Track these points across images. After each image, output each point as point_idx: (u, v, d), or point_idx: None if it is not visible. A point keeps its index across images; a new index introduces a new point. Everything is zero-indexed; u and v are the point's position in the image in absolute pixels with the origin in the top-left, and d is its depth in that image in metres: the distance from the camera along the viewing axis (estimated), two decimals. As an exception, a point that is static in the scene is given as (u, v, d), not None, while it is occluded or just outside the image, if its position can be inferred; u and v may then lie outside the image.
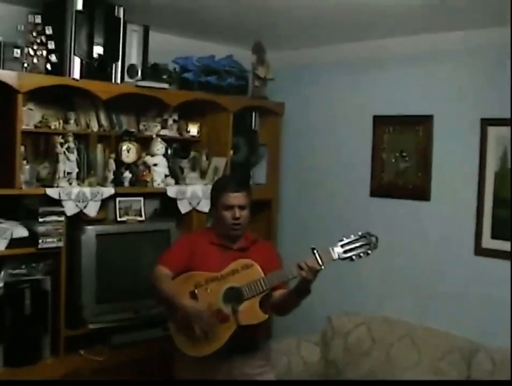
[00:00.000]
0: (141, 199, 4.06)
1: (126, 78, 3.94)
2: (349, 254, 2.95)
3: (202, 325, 2.98)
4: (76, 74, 3.67)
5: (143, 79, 3.98)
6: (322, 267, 2.91)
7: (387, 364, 3.87)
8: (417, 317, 4.07)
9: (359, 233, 2.99)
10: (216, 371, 3.14)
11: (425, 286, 4.20)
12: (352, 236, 2.97)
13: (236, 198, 3.17)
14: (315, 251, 2.93)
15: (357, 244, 2.96)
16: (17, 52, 3.47)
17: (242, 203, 3.19)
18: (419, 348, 3.83)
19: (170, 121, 4.40)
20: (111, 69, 3.85)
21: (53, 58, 3.59)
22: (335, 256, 2.94)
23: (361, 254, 2.96)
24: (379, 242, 3.99)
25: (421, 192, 4.25)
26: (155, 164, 4.12)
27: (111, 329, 3.88)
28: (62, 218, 3.60)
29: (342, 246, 2.95)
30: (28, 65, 3.52)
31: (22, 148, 3.65)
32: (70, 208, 3.64)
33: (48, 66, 3.58)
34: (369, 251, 2.97)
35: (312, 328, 4.43)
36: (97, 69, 3.75)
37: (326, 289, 4.53)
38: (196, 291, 3.10)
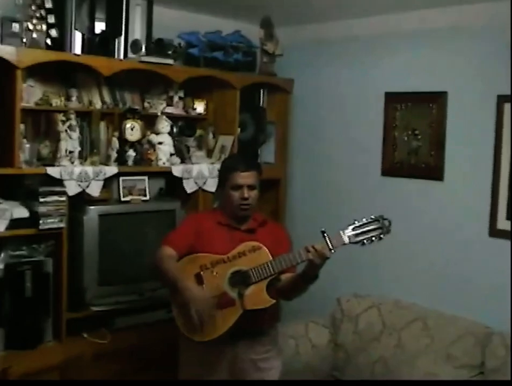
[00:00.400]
0: (146, 178, 3.95)
1: (130, 54, 3.83)
2: (360, 238, 2.84)
3: (197, 311, 2.88)
4: (77, 49, 3.59)
5: (147, 54, 3.85)
6: (333, 251, 2.81)
7: (397, 349, 3.77)
8: (429, 301, 3.97)
9: (372, 216, 2.88)
10: (221, 356, 3.06)
11: (437, 269, 4.08)
12: (364, 219, 2.86)
13: (245, 177, 3.07)
14: (325, 235, 2.82)
15: (369, 228, 2.85)
16: (15, 26, 3.38)
17: (251, 183, 3.08)
18: (431, 333, 3.72)
19: (176, 99, 4.28)
20: (114, 45, 3.75)
21: (53, 32, 3.49)
22: (346, 240, 2.84)
23: (374, 238, 2.85)
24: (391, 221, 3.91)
25: (434, 172, 4.13)
26: (160, 143, 4.00)
27: (114, 312, 3.79)
28: (64, 198, 3.50)
29: (353, 229, 2.84)
30: (27, 40, 3.41)
31: (22, 126, 3.55)
32: (72, 188, 3.54)
33: (48, 41, 3.49)
34: (382, 236, 2.86)
35: (321, 310, 4.34)
36: (99, 44, 3.65)
37: (336, 270, 4.41)
38: (201, 273, 3.01)
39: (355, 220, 2.86)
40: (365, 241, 2.84)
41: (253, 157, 3.28)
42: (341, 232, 2.84)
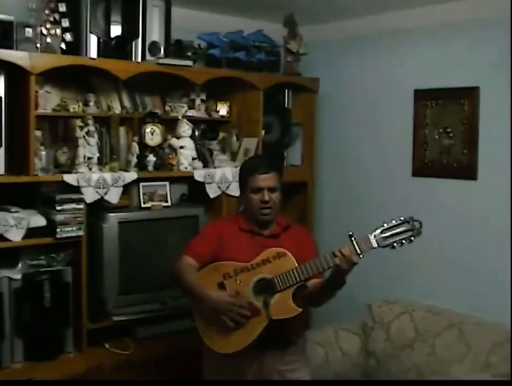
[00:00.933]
0: (167, 183, 3.86)
1: (148, 56, 3.74)
2: (389, 241, 2.69)
3: (232, 315, 2.78)
4: (93, 53, 3.51)
5: (166, 56, 3.76)
6: (361, 256, 2.67)
7: (431, 357, 3.60)
8: (465, 307, 3.80)
9: (402, 218, 2.73)
10: (247, 368, 2.93)
11: (473, 273, 3.91)
12: (393, 221, 2.71)
13: (265, 179, 2.93)
14: (352, 239, 2.68)
15: (399, 230, 2.70)
16: (29, 32, 3.30)
17: (272, 185, 2.94)
18: (467, 340, 3.55)
19: (198, 101, 4.18)
20: (131, 47, 3.66)
21: (68, 36, 3.44)
22: (375, 244, 2.69)
23: (404, 241, 2.70)
24: (423, 226, 3.74)
25: (467, 171, 3.96)
26: (181, 147, 3.90)
27: (136, 322, 3.72)
28: (81, 205, 3.42)
29: (382, 232, 2.69)
30: (41, 45, 3.34)
31: (39, 132, 3.51)
32: (90, 195, 3.46)
33: (63, 45, 3.43)
34: (412, 238, 2.71)
35: (351, 316, 4.20)
36: (115, 47, 3.57)
37: (367, 275, 4.35)
38: (224, 282, 2.89)
39: (384, 222, 2.72)
40: (395, 244, 2.70)
41: (275, 159, 3.16)
42: (369, 235, 2.70)
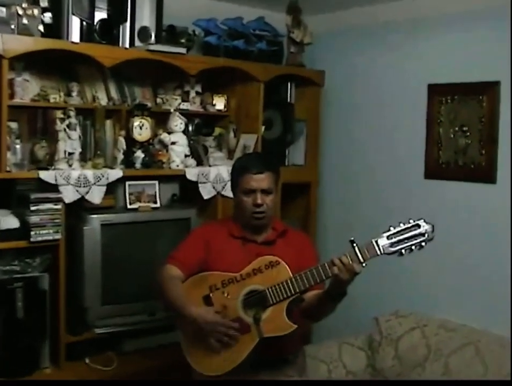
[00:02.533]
0: (156, 183, 3.57)
1: (137, 43, 3.41)
2: (397, 248, 2.42)
3: (219, 336, 2.48)
4: (75, 37, 3.19)
5: (157, 43, 3.43)
6: (364, 265, 2.40)
7: (445, 378, 3.27)
8: (482, 322, 3.49)
9: (411, 221, 2.45)
10: None
11: (491, 285, 3.60)
12: (401, 224, 2.44)
13: (258, 180, 2.64)
14: (354, 245, 2.41)
15: (407, 235, 2.43)
16: (2, 11, 2.99)
17: (265, 187, 2.65)
18: (484, 360, 3.22)
19: (192, 94, 3.87)
20: (118, 32, 3.36)
21: (46, 18, 3.11)
22: (379, 251, 2.42)
23: (413, 247, 2.43)
24: (435, 232, 3.41)
25: (485, 173, 3.66)
26: (173, 143, 3.60)
27: (121, 335, 3.44)
28: (59, 206, 3.12)
29: (388, 237, 2.42)
30: (17, 26, 3.02)
31: (15, 124, 3.21)
32: (69, 194, 3.15)
33: (41, 27, 3.10)
34: (423, 244, 2.44)
35: (356, 330, 3.89)
36: (100, 31, 3.24)
37: (374, 285, 4.08)
38: (210, 295, 2.59)
39: (391, 226, 2.44)
40: (403, 251, 2.43)
41: (272, 157, 2.85)
42: (374, 241, 2.42)
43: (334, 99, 4.36)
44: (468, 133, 3.73)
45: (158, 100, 3.75)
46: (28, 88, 3.25)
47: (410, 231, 2.43)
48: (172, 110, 3.64)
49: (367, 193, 4.23)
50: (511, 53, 3.43)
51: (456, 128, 3.78)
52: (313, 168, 4.28)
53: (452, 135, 3.80)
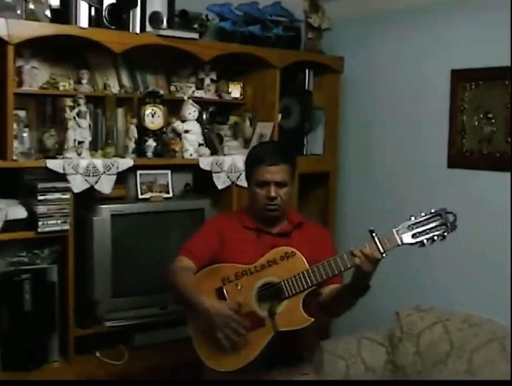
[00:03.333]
0: (169, 172, 3.47)
1: (149, 28, 3.32)
2: (419, 239, 2.33)
3: (228, 332, 2.37)
4: (83, 22, 3.09)
5: (169, 28, 3.33)
6: (384, 255, 2.30)
7: (468, 376, 3.12)
8: (508, 317, 3.33)
9: (433, 210, 2.36)
10: None
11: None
12: (423, 214, 2.35)
13: (273, 172, 2.53)
14: (374, 235, 2.31)
15: (429, 225, 2.34)
16: (9, -4, 2.90)
17: (280, 180, 2.54)
18: (510, 356, 3.06)
19: (207, 81, 3.77)
20: (129, 18, 3.26)
21: (54, 2, 3.00)
22: (400, 241, 2.32)
23: (436, 237, 2.33)
24: (459, 223, 3.28)
25: (511, 162, 3.49)
26: (186, 131, 3.50)
27: (132, 328, 3.34)
28: (67, 195, 3.04)
29: (409, 227, 2.33)
30: (23, 12, 2.94)
31: (23, 113, 3.14)
32: (77, 184, 3.07)
33: (48, 13, 3.01)
34: (445, 234, 2.34)
35: (376, 325, 3.75)
36: (109, 16, 3.15)
37: (395, 279, 3.95)
38: (223, 287, 2.49)
39: (412, 216, 2.34)
40: (425, 241, 2.33)
41: (288, 147, 2.73)
42: (394, 231, 2.33)
43: (353, 87, 4.22)
44: (493, 121, 3.58)
45: (172, 88, 3.66)
46: (36, 76, 3.18)
47: (432, 221, 2.35)
48: (185, 98, 3.54)
49: (388, 183, 4.10)
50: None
51: (481, 116, 3.63)
52: (332, 158, 4.16)
53: (476, 123, 3.66)
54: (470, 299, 3.60)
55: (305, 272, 2.40)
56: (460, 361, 3.21)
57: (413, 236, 2.33)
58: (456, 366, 3.21)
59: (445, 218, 2.35)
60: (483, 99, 3.62)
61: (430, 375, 3.29)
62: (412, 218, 2.34)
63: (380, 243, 2.30)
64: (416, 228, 2.33)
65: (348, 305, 2.49)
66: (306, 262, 2.43)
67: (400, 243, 2.32)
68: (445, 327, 3.38)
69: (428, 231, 2.33)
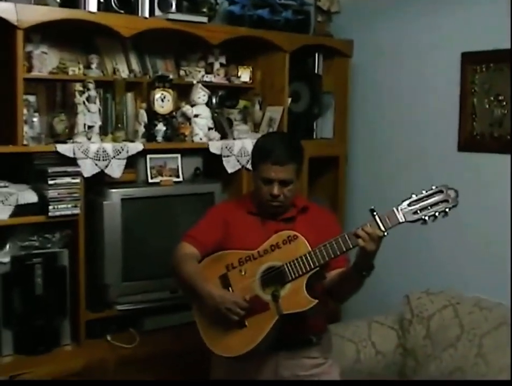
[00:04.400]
0: (179, 156, 3.46)
1: (158, 12, 3.31)
2: (420, 215, 2.29)
3: (234, 318, 2.39)
4: (92, 7, 3.09)
5: (178, 12, 3.32)
6: (385, 233, 2.27)
7: (479, 359, 3.11)
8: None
9: (433, 187, 2.33)
10: (257, 374, 2.52)
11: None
12: (424, 191, 2.32)
13: (278, 171, 2.47)
14: (374, 213, 2.29)
15: (430, 201, 2.30)
16: (17, -20, 2.89)
17: (285, 178, 2.49)
18: (521, 341, 3.06)
19: (216, 66, 3.77)
20: (137, 2, 3.23)
21: (63, -13, 3.00)
22: (402, 218, 2.29)
23: (437, 214, 2.28)
24: (470, 207, 3.27)
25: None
26: (196, 116, 3.49)
27: (142, 312, 3.35)
28: (78, 180, 3.04)
29: (410, 204, 2.30)
30: (33, -4, 2.94)
31: (33, 98, 3.14)
32: (87, 168, 3.07)
33: (58, -3, 3.00)
34: (447, 210, 2.28)
35: (386, 308, 3.75)
36: (118, 1, 3.15)
37: (405, 262, 3.96)
38: (227, 274, 2.49)
39: (413, 193, 2.31)
40: (426, 218, 2.29)
41: (295, 144, 2.58)
42: (395, 209, 2.30)
43: (363, 71, 4.19)
44: (504, 103, 3.55)
45: (181, 72, 3.65)
46: (46, 61, 3.17)
47: (433, 197, 2.31)
48: (194, 82, 3.54)
49: (398, 166, 4.08)
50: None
51: (492, 98, 3.60)
52: (342, 142, 4.14)
53: (487, 106, 3.63)
54: (481, 283, 3.58)
55: (307, 254, 2.38)
56: (470, 345, 3.19)
57: (414, 213, 2.29)
58: (467, 350, 3.19)
59: (447, 194, 2.31)
60: (493, 82, 3.59)
61: (440, 358, 3.29)
62: (414, 195, 2.31)
63: (381, 221, 2.28)
64: (417, 204, 2.30)
65: (355, 288, 2.46)
66: (308, 245, 2.41)
67: (401, 220, 2.29)
68: (455, 311, 3.36)
69: (429, 207, 2.29)
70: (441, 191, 2.30)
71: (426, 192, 2.31)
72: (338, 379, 2.68)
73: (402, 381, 3.23)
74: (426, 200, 2.29)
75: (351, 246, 2.33)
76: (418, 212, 2.28)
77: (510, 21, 3.33)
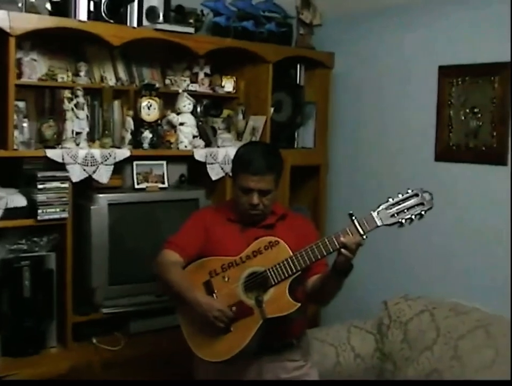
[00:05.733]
0: (164, 163, 3.53)
1: (145, 22, 3.39)
2: (397, 218, 2.36)
3: (219, 325, 2.45)
4: (82, 15, 3.15)
5: (165, 22, 3.40)
6: (364, 237, 2.35)
7: (454, 361, 3.21)
8: (493, 305, 3.40)
9: (409, 190, 2.40)
10: (242, 376, 2.59)
11: (502, 268, 3.52)
12: (399, 195, 2.39)
13: (257, 181, 2.52)
14: (353, 218, 2.37)
15: (406, 205, 2.38)
16: (10, -11, 2.96)
17: (264, 188, 2.54)
18: (495, 344, 3.15)
19: (201, 75, 3.85)
20: (126, 12, 3.32)
21: (54, -4, 3.07)
22: (379, 222, 2.36)
23: (413, 217, 2.36)
24: (446, 215, 3.37)
25: (497, 155, 3.58)
26: (181, 124, 3.57)
27: (128, 315, 3.40)
28: (66, 184, 3.10)
29: (387, 208, 2.37)
30: (24, 5, 3.00)
31: (23, 104, 3.20)
32: (76, 173, 3.13)
33: (48, 6, 3.08)
34: (423, 212, 2.37)
35: (365, 314, 3.83)
36: (108, 10, 3.22)
37: (383, 268, 4.06)
38: (211, 280, 2.54)
39: (389, 197, 2.39)
40: (403, 221, 2.37)
41: (273, 155, 2.65)
42: (372, 213, 2.37)
43: (344, 82, 4.29)
44: (479, 115, 3.65)
45: (167, 81, 3.73)
46: (35, 68, 3.23)
47: (409, 201, 2.38)
48: (180, 91, 3.61)
49: (377, 175, 4.16)
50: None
51: (467, 110, 3.70)
52: (322, 151, 4.23)
53: (463, 117, 3.73)
54: (456, 288, 3.68)
55: (288, 259, 2.44)
56: (446, 347, 3.29)
57: (391, 216, 2.36)
58: (443, 353, 3.29)
59: (422, 197, 2.39)
60: (469, 94, 3.69)
61: (417, 361, 3.38)
62: (390, 199, 2.38)
63: (360, 225, 2.35)
64: (394, 208, 2.37)
65: (336, 289, 2.51)
66: (289, 250, 2.47)
67: (379, 224, 2.36)
68: (432, 315, 3.46)
69: (405, 211, 2.36)
70: (416, 195, 2.38)
71: (402, 195, 2.38)
72: (318, 380, 2.75)
73: (396, 381, 3.29)
74: (403, 203, 2.37)
75: (331, 250, 2.39)
76: (395, 215, 2.36)
77: (510, 21, 3.40)
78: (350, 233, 2.35)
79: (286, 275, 2.43)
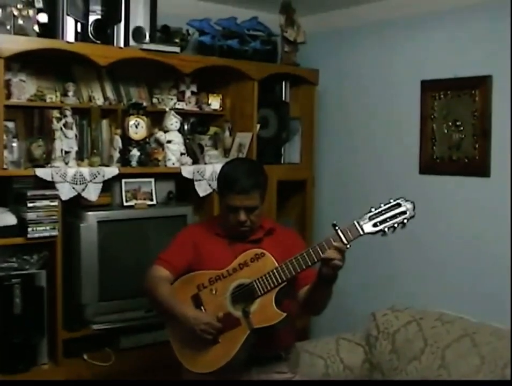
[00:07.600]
0: (152, 180, 3.57)
1: (132, 42, 3.44)
2: (379, 227, 2.40)
3: (207, 338, 2.49)
4: (70, 37, 3.22)
5: (151, 42, 3.46)
6: (348, 246, 2.38)
7: (442, 370, 3.24)
8: (478, 315, 3.43)
9: (391, 200, 2.44)
10: None
11: (487, 278, 3.60)
12: (382, 205, 2.43)
13: (243, 199, 2.58)
14: (336, 228, 2.40)
15: (389, 214, 2.41)
16: (-2, 12, 3.02)
17: (250, 205, 2.60)
18: (481, 351, 3.18)
19: (188, 94, 3.90)
20: (113, 32, 3.39)
21: (42, 18, 3.14)
22: (362, 231, 2.40)
23: (396, 225, 2.40)
24: (431, 226, 3.42)
25: (479, 167, 3.66)
26: (169, 141, 3.62)
27: (118, 331, 3.43)
28: (56, 203, 3.14)
29: (370, 218, 2.41)
30: (12, 27, 3.06)
31: (12, 124, 3.24)
32: (65, 192, 3.17)
33: (36, 28, 3.13)
34: (405, 221, 2.41)
35: (353, 326, 3.86)
36: (95, 31, 3.28)
37: (371, 281, 4.10)
38: (199, 294, 2.58)
39: (372, 207, 2.43)
40: (386, 230, 2.40)
41: (257, 173, 2.69)
42: (355, 222, 2.41)
43: (328, 98, 4.37)
44: (462, 128, 3.73)
45: (154, 100, 3.78)
46: (24, 88, 3.28)
47: (391, 210, 2.42)
48: (167, 110, 3.67)
49: (363, 189, 4.22)
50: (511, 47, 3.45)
51: (450, 123, 3.79)
52: (308, 166, 4.29)
53: (445, 130, 3.81)
54: (442, 299, 3.73)
55: (274, 270, 2.47)
56: (434, 357, 3.32)
57: (374, 225, 2.40)
58: (430, 362, 3.32)
59: (404, 206, 2.42)
60: (451, 108, 3.78)
61: (405, 371, 3.41)
62: (373, 209, 2.42)
63: (343, 235, 2.38)
64: (377, 217, 2.40)
65: (326, 296, 2.54)
66: (275, 261, 2.51)
67: (361, 233, 2.39)
68: (419, 325, 3.48)
69: (388, 219, 2.40)
70: (398, 204, 2.42)
71: (385, 205, 2.42)
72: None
73: (397, 381, 3.29)
74: (385, 213, 2.41)
75: (315, 260, 2.42)
76: (378, 224, 2.39)
77: (510, 22, 3.45)
78: (333, 242, 2.37)
79: (272, 285, 2.47)
